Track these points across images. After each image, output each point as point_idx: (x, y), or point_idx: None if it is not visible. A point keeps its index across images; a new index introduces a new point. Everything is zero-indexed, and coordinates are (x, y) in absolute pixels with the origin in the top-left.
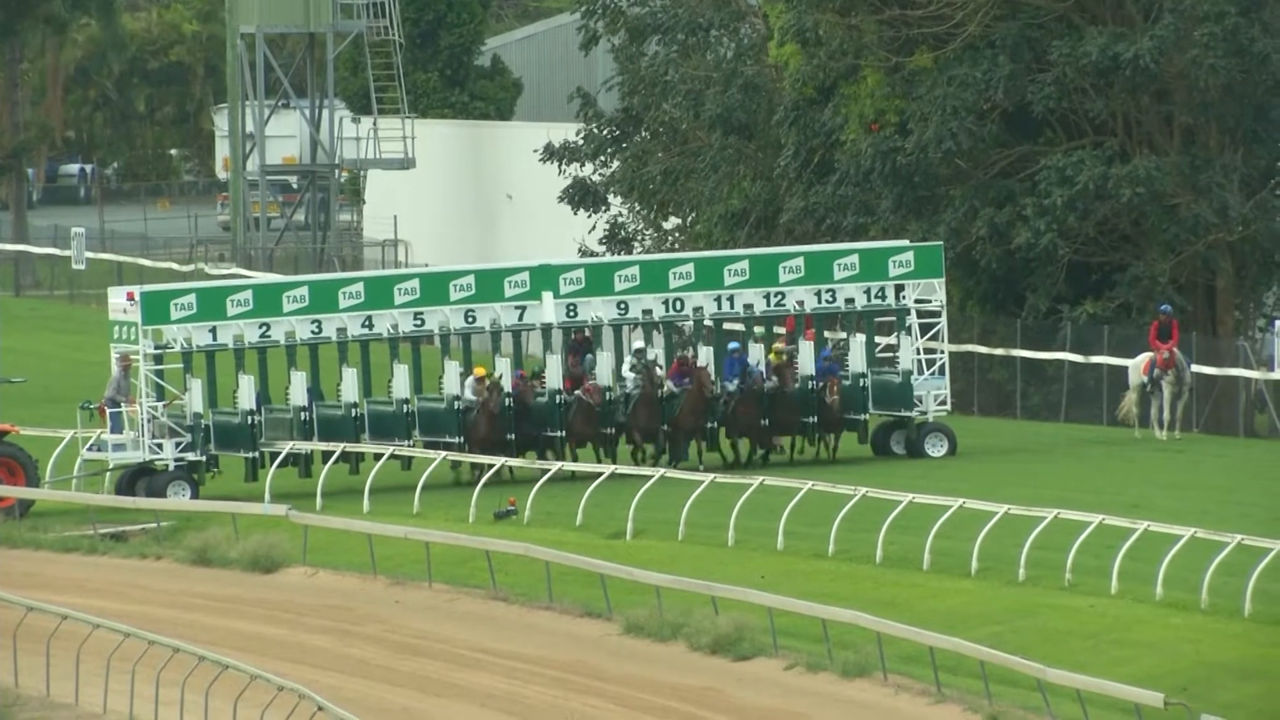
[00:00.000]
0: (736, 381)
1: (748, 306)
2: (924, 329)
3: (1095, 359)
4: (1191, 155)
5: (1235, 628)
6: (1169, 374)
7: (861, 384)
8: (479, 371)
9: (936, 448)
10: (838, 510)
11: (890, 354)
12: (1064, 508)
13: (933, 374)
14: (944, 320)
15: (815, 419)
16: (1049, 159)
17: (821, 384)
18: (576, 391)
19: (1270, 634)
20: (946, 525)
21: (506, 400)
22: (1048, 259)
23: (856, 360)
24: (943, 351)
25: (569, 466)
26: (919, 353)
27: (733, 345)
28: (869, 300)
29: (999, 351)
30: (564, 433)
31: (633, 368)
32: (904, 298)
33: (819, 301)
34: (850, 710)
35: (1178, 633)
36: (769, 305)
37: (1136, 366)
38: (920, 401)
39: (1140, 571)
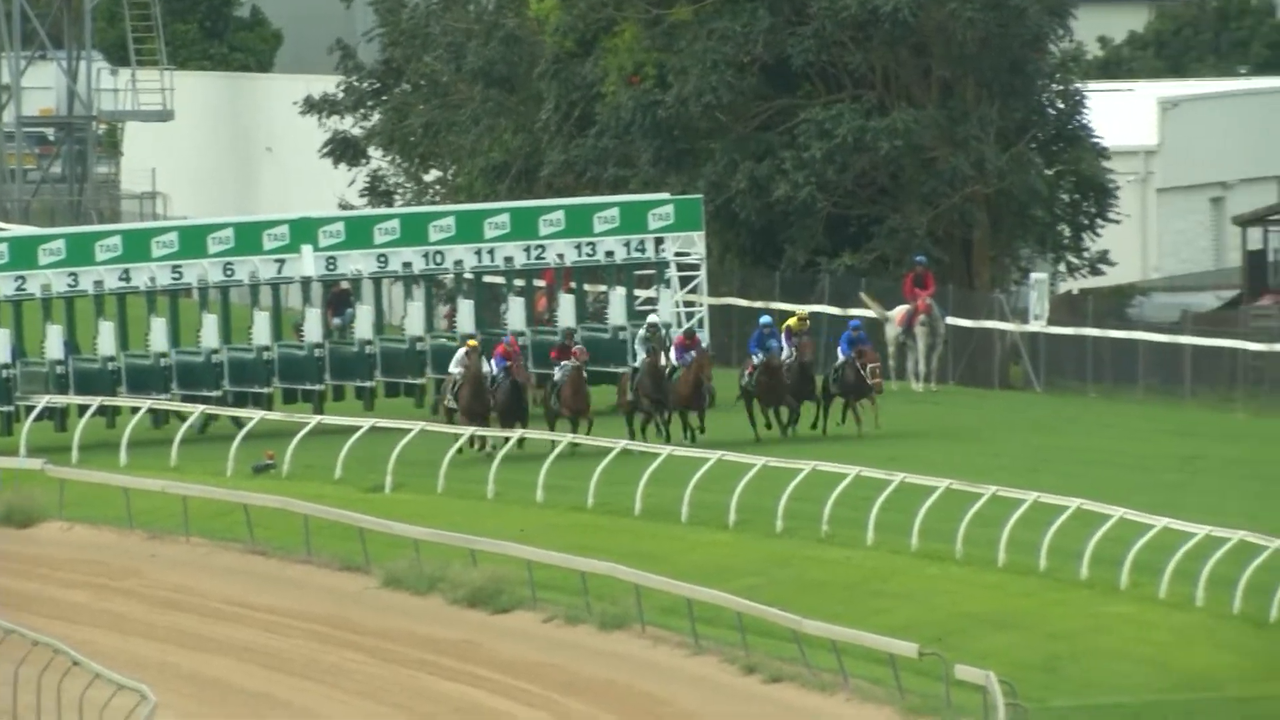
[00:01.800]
0: (760, 354)
1: (508, 259)
2: (683, 282)
3: (854, 311)
4: (949, 109)
5: (990, 578)
6: (923, 322)
7: (621, 337)
8: (470, 343)
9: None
10: (597, 464)
11: (650, 307)
12: (821, 460)
13: (693, 327)
14: (703, 273)
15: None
16: (808, 112)
17: (854, 356)
18: (566, 362)
19: (1024, 584)
20: (705, 478)
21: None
22: (806, 212)
23: (616, 313)
24: (702, 304)
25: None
26: (678, 305)
27: (765, 319)
28: (629, 253)
29: (758, 304)
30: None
31: (644, 340)
32: (663, 251)
33: (579, 254)
34: (608, 662)
35: (933, 583)
36: (529, 258)
37: (892, 319)
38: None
39: (896, 523)
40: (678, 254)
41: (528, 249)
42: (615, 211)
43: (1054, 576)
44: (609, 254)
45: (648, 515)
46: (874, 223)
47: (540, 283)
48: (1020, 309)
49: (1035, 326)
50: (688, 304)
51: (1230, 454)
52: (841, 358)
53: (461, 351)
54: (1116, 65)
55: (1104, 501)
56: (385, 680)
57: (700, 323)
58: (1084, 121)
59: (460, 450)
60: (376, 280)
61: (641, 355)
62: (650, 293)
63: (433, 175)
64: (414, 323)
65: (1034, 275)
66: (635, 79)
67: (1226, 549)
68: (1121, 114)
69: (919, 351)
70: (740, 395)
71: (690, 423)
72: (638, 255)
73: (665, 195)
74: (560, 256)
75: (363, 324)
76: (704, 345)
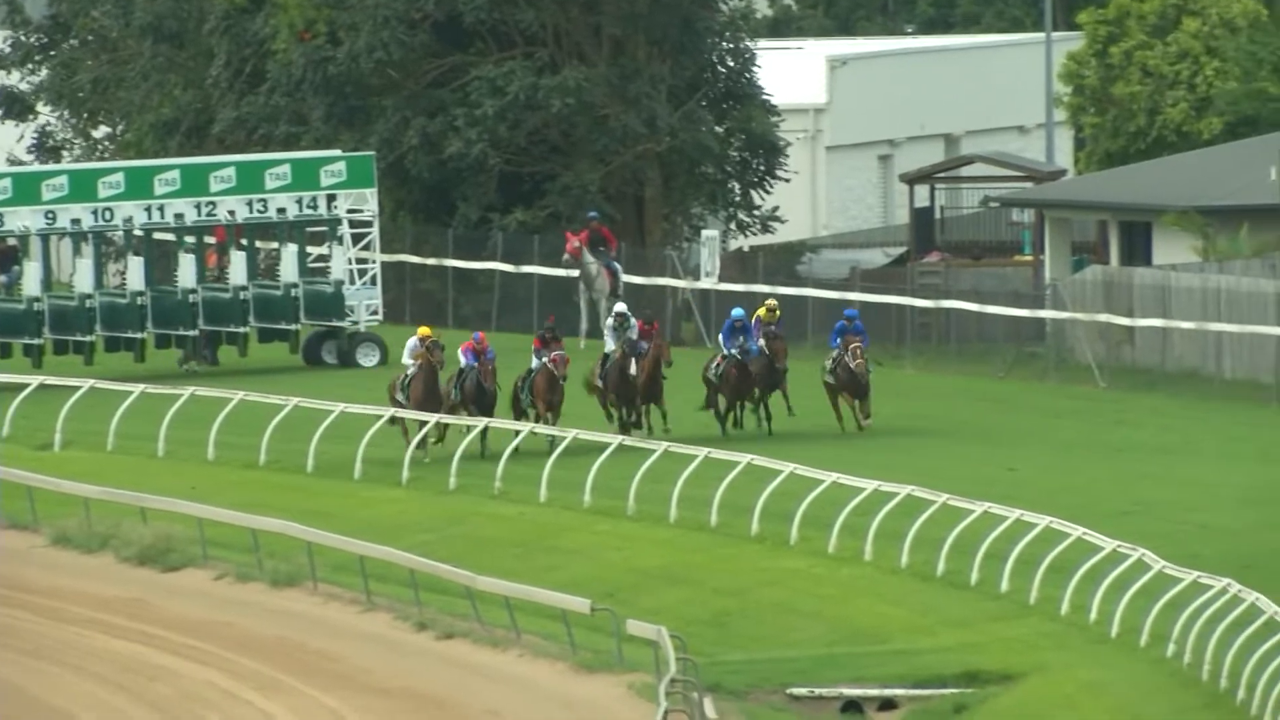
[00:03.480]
0: (735, 350)
1: (178, 216)
2: (356, 239)
3: (526, 268)
4: (620, 66)
5: (662, 534)
6: (603, 279)
7: (293, 294)
8: (423, 331)
9: (368, 357)
10: (269, 420)
11: (322, 264)
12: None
13: (364, 284)
14: (376, 230)
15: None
16: (480, 69)
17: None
18: (560, 352)
19: (694, 540)
20: (379, 435)
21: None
22: (479, 169)
23: (288, 270)
24: (375, 261)
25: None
26: (351, 263)
27: (737, 312)
28: (301, 210)
29: (431, 261)
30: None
31: (613, 330)
32: (336, 207)
33: (250, 211)
34: (280, 620)
35: (605, 539)
36: (200, 215)
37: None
38: (352, 311)
39: (568, 480)
40: (350, 211)
41: (198, 206)
42: (287, 168)
43: (725, 532)
44: (281, 211)
45: (320, 473)
46: (547, 180)
47: (211, 240)
48: (692, 266)
49: (707, 283)
50: (360, 261)
51: (898, 409)
52: (834, 352)
53: (415, 341)
54: (786, 24)
55: (774, 458)
56: (55, 639)
57: (374, 279)
58: (754, 79)
59: (421, 446)
60: (45, 237)
61: (611, 344)
62: (323, 250)
63: (102, 131)
64: (83, 280)
65: (705, 232)
66: (306, 35)
67: (894, 504)
68: (791, 72)
69: (599, 310)
70: (706, 389)
71: (651, 419)
72: (310, 212)
73: (337, 152)
74: (231, 213)
75: (30, 281)
76: (660, 332)
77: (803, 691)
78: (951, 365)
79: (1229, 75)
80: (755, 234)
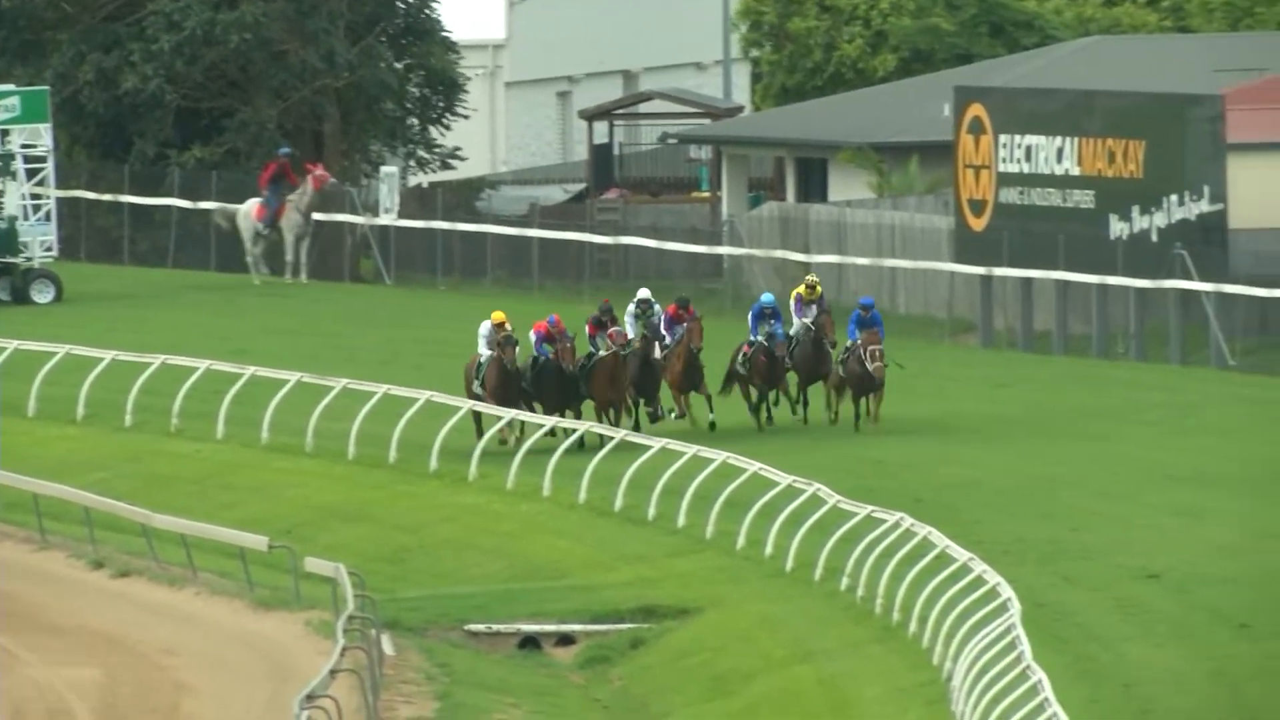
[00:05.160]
0: (760, 337)
1: None
2: (30, 174)
3: (204, 204)
4: (299, 2)
5: (339, 470)
6: (296, 218)
7: None
8: (497, 317)
9: (43, 294)
10: None
11: None
12: (172, 354)
13: (39, 220)
14: (51, 166)
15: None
16: (156, 4)
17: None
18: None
19: (373, 476)
20: (54, 371)
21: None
22: (155, 104)
23: None
24: (50, 197)
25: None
26: (25, 198)
27: (767, 298)
28: None
29: (107, 197)
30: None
31: (635, 316)
32: (9, 143)
33: None
34: None
35: (283, 476)
36: None
37: (246, 213)
38: (26, 248)
39: (247, 416)
40: (24, 146)
41: None
42: None
43: (404, 469)
44: None
45: None
46: (225, 116)
47: None
48: (371, 203)
49: (386, 220)
50: (35, 197)
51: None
52: (850, 342)
53: (488, 326)
54: None
55: (454, 395)
56: None
57: (48, 215)
58: (433, 15)
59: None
60: None
61: (631, 333)
62: None
63: None
64: None
65: (384, 169)
66: None
67: (572, 440)
68: (470, 8)
69: (287, 243)
70: (727, 378)
71: (691, 411)
72: None
73: (10, 86)
74: None
75: None
76: (697, 314)
77: (480, 627)
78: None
79: (903, 11)
80: (435, 171)
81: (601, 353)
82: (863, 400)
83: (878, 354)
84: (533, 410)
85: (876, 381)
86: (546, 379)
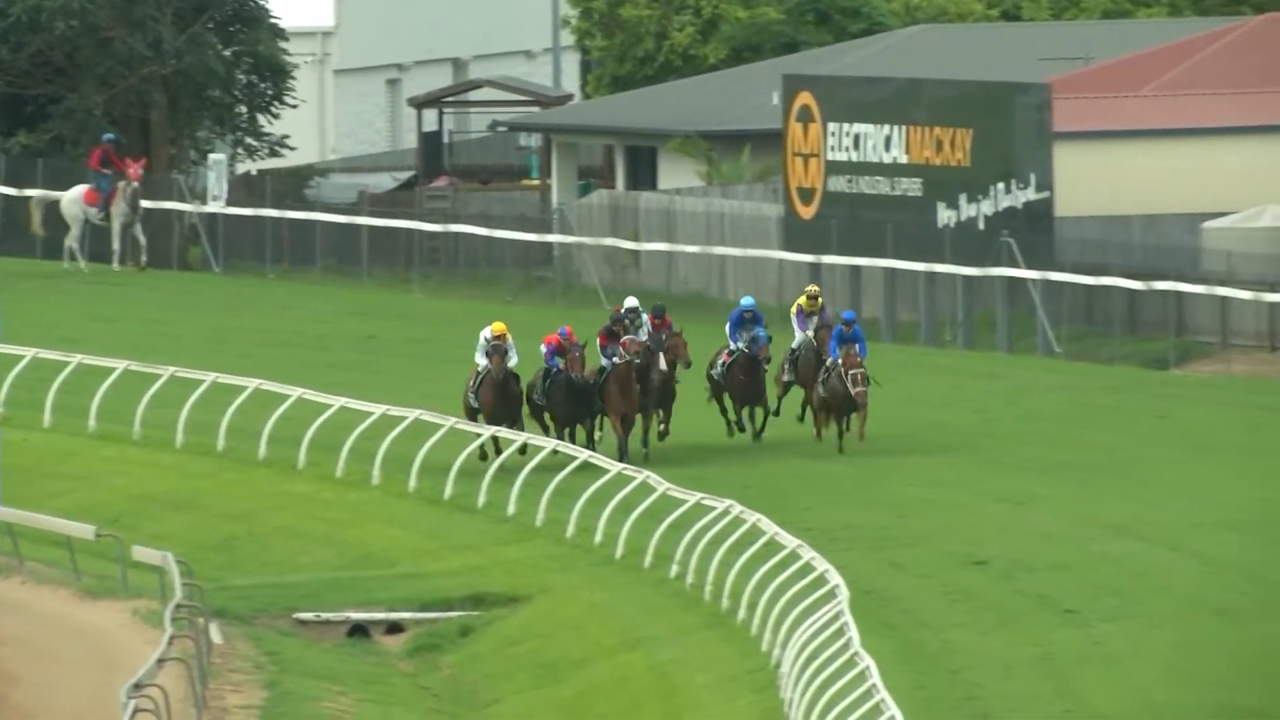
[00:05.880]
0: (740, 343)
1: None
2: None
3: (29, 191)
4: None
5: (168, 459)
6: (123, 206)
7: None
8: (496, 328)
9: None
10: None
11: None
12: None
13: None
14: None
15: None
16: None
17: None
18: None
19: (202, 464)
20: None
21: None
22: None
23: None
24: None
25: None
26: None
27: (747, 301)
28: None
29: None
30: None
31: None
32: None
33: None
34: None
35: (111, 465)
36: None
37: (74, 199)
38: None
39: (74, 405)
40: None
41: None
42: None
43: (233, 457)
44: None
45: None
46: (51, 102)
47: None
48: (199, 190)
49: (214, 207)
50: None
51: (407, 334)
52: (830, 360)
53: (489, 334)
54: None
55: (283, 382)
56: None
57: None
58: (262, 2)
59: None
60: None
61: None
62: None
63: None
64: None
65: (213, 156)
66: None
67: (403, 428)
68: None
69: (114, 229)
70: (710, 388)
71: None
72: None
73: None
74: None
75: None
76: (674, 328)
77: (309, 616)
78: (460, 290)
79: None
80: (264, 158)
81: (615, 361)
82: (840, 420)
83: (859, 378)
84: (543, 424)
85: (859, 404)
86: (556, 391)
